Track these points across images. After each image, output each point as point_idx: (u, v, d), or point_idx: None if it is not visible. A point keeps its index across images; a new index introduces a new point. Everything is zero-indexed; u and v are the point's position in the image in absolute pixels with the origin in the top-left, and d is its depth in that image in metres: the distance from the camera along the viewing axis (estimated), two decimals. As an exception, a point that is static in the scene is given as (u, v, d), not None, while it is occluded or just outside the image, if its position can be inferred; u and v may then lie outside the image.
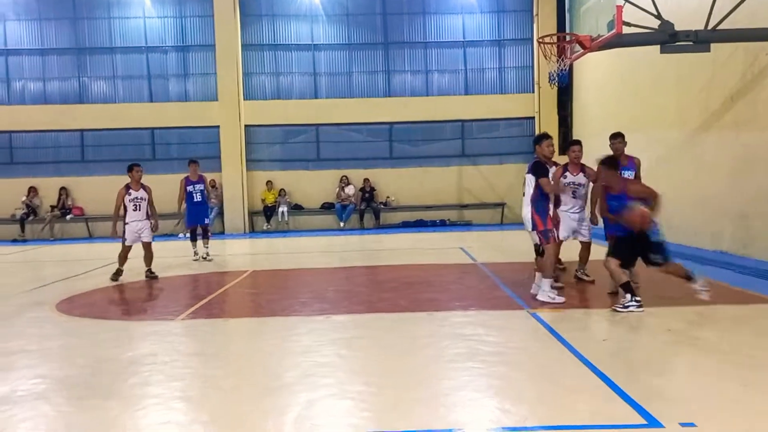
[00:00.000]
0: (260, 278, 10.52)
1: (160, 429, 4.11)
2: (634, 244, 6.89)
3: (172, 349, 6.15)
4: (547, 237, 7.40)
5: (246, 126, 19.40)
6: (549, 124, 19.27)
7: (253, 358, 5.69)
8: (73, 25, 19.34)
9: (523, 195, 7.61)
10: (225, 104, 19.08)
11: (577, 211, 8.62)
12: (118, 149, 19.47)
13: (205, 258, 12.54)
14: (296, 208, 19.52)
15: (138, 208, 10.27)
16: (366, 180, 19.33)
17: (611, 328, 6.45)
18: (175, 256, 13.99)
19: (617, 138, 8.27)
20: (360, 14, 19.68)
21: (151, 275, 10.30)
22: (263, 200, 19.31)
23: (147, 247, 10.33)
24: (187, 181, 12.59)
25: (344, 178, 19.29)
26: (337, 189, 19.30)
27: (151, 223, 10.40)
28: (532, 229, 7.49)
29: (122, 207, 10.31)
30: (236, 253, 11.86)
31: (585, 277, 8.81)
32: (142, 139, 19.58)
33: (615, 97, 15.48)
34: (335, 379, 5.02)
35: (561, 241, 8.30)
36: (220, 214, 18.90)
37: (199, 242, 12.85)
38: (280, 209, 19.10)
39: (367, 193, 19.27)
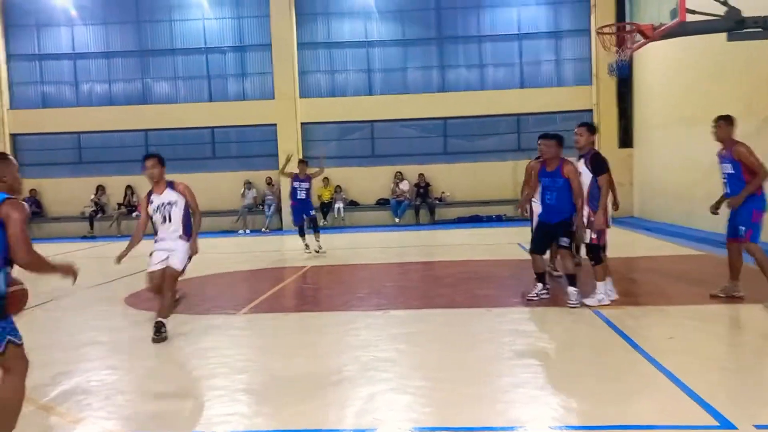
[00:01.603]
0: (318, 274, 10.67)
1: (225, 420, 4.22)
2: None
3: (234, 342, 6.32)
4: (599, 236, 6.99)
5: (302, 123, 19.65)
6: (608, 116, 18.80)
7: (313, 352, 5.78)
8: (136, 28, 19.99)
9: None
10: (281, 102, 19.37)
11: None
12: (180, 148, 20.04)
13: (317, 251, 12.37)
14: (352, 204, 19.67)
15: (168, 219, 6.76)
16: (421, 175, 19.30)
17: (677, 326, 6.26)
18: (237, 252, 14.32)
19: (719, 120, 7.23)
20: (413, 10, 19.63)
21: (158, 336, 6.18)
22: (320, 197, 19.53)
23: (170, 278, 6.44)
24: (295, 178, 12.48)
25: (399, 174, 19.31)
26: (392, 185, 19.34)
27: (187, 243, 6.61)
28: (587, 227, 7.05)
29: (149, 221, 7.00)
30: (294, 248, 12.05)
31: (554, 272, 8.54)
32: (202, 138, 20.09)
33: (678, 87, 14.96)
34: (394, 373, 5.06)
35: None
36: (278, 211, 19.22)
37: (309, 237, 12.64)
38: (336, 205, 19.29)
39: (422, 188, 19.25)
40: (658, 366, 4.83)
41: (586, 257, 7.22)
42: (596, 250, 6.98)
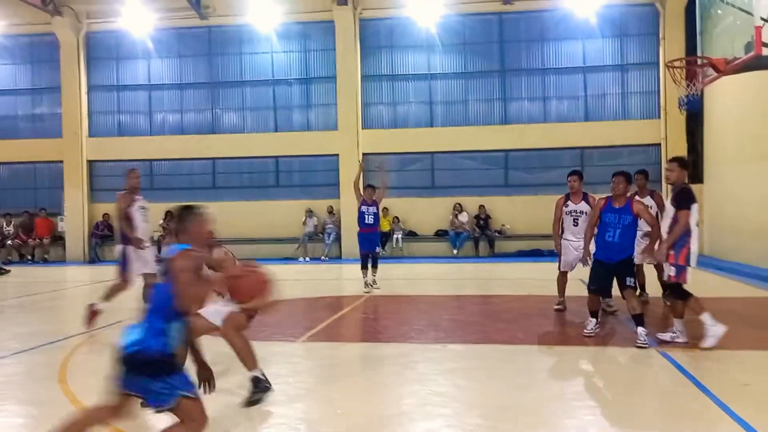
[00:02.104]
0: (376, 303, 10.68)
1: (284, 448, 4.25)
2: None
3: (293, 370, 6.38)
4: (679, 273, 6.72)
5: (364, 154, 19.90)
6: (677, 151, 18.18)
7: (371, 384, 5.78)
8: (207, 61, 20.83)
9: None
10: (344, 133, 19.71)
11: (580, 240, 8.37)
12: (245, 177, 20.64)
13: (372, 285, 11.75)
14: (410, 235, 19.69)
15: (146, 219, 8.25)
16: (481, 207, 19.18)
17: (755, 372, 5.96)
18: (297, 279, 14.51)
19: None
20: (477, 43, 19.74)
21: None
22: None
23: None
24: (363, 202, 11.85)
25: (458, 205, 19.25)
26: (451, 216, 19.28)
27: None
28: (666, 261, 6.84)
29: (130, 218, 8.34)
30: (353, 278, 12.14)
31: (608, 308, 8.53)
32: (267, 167, 20.61)
33: (752, 122, 14.43)
34: (452, 409, 4.99)
35: (565, 273, 8.86)
36: (338, 239, 19.42)
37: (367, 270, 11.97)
38: (395, 236, 19.35)
39: (482, 220, 19.11)
40: (729, 413, 4.60)
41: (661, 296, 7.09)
42: (676, 288, 6.77)
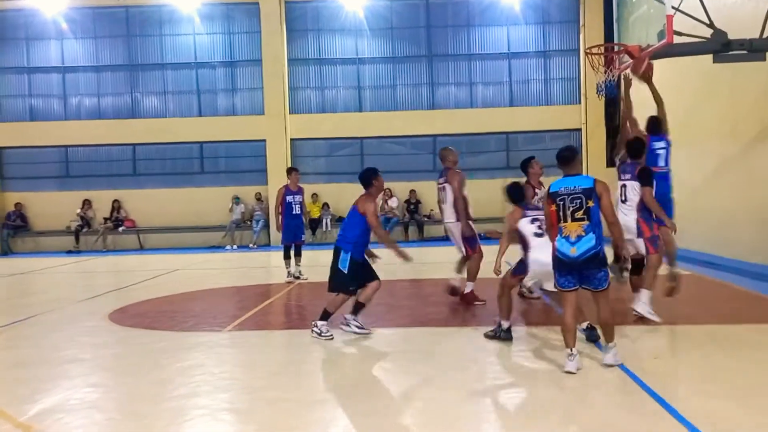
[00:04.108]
0: (305, 291, 10.59)
1: (208, 440, 4.15)
2: None
3: (219, 360, 6.24)
4: (655, 244, 6.99)
5: (292, 139, 19.66)
6: (596, 135, 18.97)
7: (299, 370, 5.72)
8: (126, 42, 19.97)
9: (621, 201, 7.19)
10: (271, 118, 19.38)
11: None
12: (168, 163, 19.99)
13: (298, 277, 11.33)
14: (340, 221, 19.62)
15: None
16: (412, 191, 19.33)
17: (662, 345, 6.26)
18: (224, 268, 14.24)
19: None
20: (404, 27, 19.77)
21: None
22: (308, 213, 19.49)
23: None
24: (287, 191, 11.28)
25: (388, 190, 19.31)
26: (381, 202, 19.35)
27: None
28: (638, 236, 7.02)
29: None
30: (282, 265, 11.96)
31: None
32: (191, 152, 20.04)
33: (670, 108, 15.08)
34: (381, 392, 5.01)
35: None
36: (266, 226, 19.15)
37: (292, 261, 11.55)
38: (324, 220, 19.25)
39: (413, 204, 19.26)
40: (643, 386, 4.82)
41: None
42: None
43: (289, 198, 11.25)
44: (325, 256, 16.21)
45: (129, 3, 19.59)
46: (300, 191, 11.45)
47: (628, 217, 7.10)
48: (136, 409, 4.78)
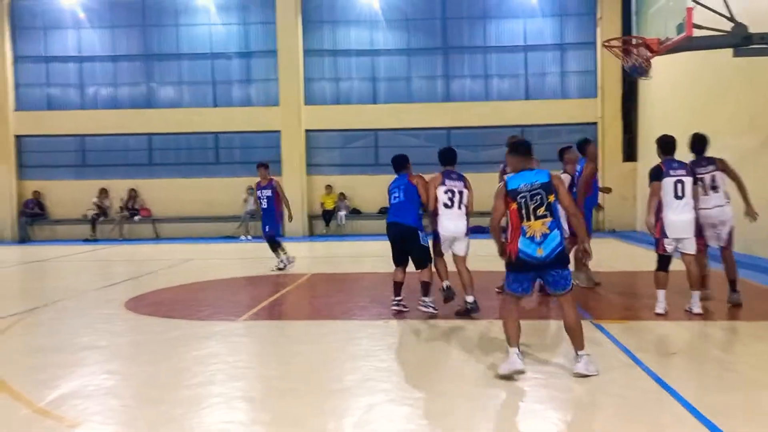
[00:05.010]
0: (319, 281, 10.63)
1: (224, 428, 4.19)
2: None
3: (234, 349, 6.29)
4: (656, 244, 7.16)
5: (306, 131, 19.67)
6: (612, 129, 18.82)
7: (313, 361, 5.75)
8: (142, 32, 20.05)
9: (681, 198, 6.98)
10: (286, 109, 19.40)
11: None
12: (183, 153, 20.09)
13: (281, 268, 11.50)
14: (354, 212, 19.66)
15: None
16: (424, 184, 19.28)
17: (680, 341, 6.22)
18: (239, 258, 14.32)
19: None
20: (419, 19, 19.68)
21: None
22: (322, 204, 19.53)
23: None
24: (257, 186, 11.79)
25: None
26: (395, 193, 19.31)
27: None
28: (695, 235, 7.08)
29: None
30: (296, 256, 12.03)
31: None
32: (206, 143, 20.12)
33: (683, 102, 14.96)
34: (393, 384, 5.02)
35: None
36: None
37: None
38: (339, 213, 19.28)
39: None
40: (660, 382, 4.79)
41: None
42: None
43: (258, 192, 11.71)
44: (341, 247, 16.20)
45: (146, -7, 19.66)
46: (269, 185, 11.60)
47: (691, 214, 7.03)
48: (152, 397, 4.84)
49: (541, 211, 4.97)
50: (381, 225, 20.38)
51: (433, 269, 7.45)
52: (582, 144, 8.85)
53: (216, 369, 5.48)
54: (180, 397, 4.79)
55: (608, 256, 12.43)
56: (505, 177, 5.28)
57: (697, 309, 6.96)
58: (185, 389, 4.97)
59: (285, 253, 11.74)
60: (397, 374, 5.32)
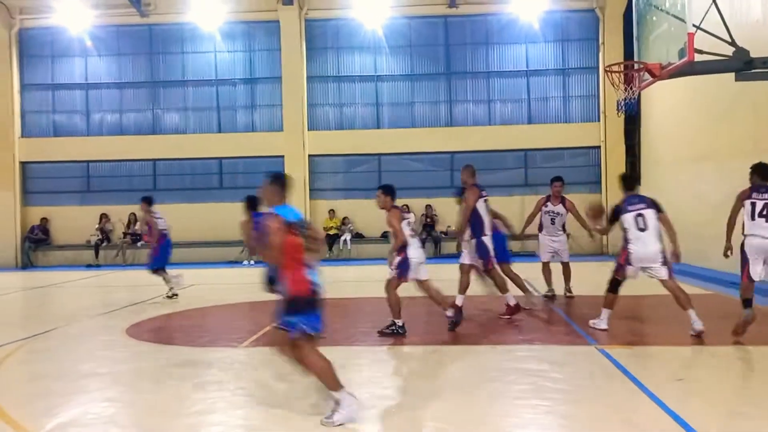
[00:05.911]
0: (324, 306, 10.54)
1: (223, 457, 4.12)
2: None
3: (235, 376, 6.23)
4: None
5: (310, 156, 19.75)
6: (615, 153, 18.83)
7: (314, 387, 5.67)
8: (148, 60, 20.27)
9: (643, 230, 7.34)
10: (290, 135, 19.50)
11: (558, 236, 10.29)
12: (188, 178, 20.17)
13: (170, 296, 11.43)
14: (358, 237, 19.63)
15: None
16: (428, 206, 19.28)
17: (686, 367, 6.13)
18: (241, 283, 14.27)
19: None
20: (422, 45, 19.86)
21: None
22: (326, 228, 19.52)
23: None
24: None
25: (405, 206, 19.28)
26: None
27: None
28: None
29: None
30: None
31: (569, 293, 10.24)
32: (210, 168, 20.19)
33: (686, 126, 14.98)
34: (400, 412, 4.95)
35: (547, 263, 10.32)
36: (284, 242, 19.18)
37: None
38: (343, 237, 19.26)
39: (429, 218, 19.23)
40: (664, 408, 4.71)
41: None
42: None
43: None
44: (344, 272, 16.12)
45: (152, 21, 19.90)
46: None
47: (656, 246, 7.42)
48: (152, 425, 4.78)
49: None
50: (384, 249, 20.33)
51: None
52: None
53: (217, 396, 5.42)
54: (180, 426, 4.72)
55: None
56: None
57: (698, 326, 6.99)
58: (185, 417, 4.91)
59: None
60: (404, 402, 5.25)
